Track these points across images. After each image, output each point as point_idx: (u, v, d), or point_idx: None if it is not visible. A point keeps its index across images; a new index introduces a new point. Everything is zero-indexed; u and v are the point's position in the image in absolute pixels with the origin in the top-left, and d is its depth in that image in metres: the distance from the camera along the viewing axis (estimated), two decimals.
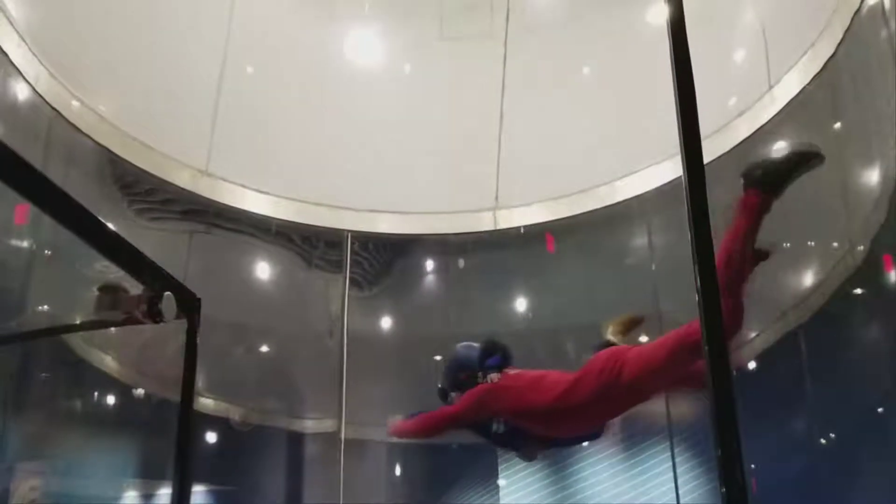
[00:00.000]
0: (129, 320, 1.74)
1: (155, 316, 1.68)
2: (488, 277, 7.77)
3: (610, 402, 3.41)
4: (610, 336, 3.67)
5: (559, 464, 8.20)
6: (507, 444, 3.87)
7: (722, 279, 3.05)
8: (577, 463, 8.18)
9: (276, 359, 8.16)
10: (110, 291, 1.72)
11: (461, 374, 3.71)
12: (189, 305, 1.82)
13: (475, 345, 3.83)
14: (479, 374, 3.64)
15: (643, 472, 7.73)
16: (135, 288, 1.74)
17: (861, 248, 5.60)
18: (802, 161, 2.92)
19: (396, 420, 4.10)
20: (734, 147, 5.80)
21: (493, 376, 3.61)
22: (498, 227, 7.13)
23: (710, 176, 1.77)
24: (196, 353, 1.90)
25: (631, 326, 3.76)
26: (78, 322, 2.05)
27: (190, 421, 1.86)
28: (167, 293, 1.71)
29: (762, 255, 3.27)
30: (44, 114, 5.53)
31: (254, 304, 7.71)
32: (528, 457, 4.12)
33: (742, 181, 2.84)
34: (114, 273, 1.74)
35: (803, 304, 5.80)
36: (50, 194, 1.47)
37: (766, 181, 2.80)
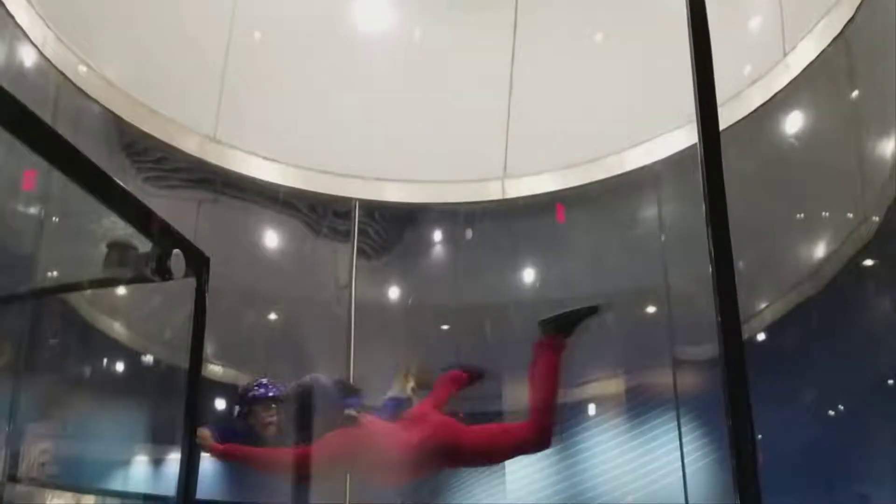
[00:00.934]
0: (138, 278, 1.72)
1: (164, 273, 1.66)
2: (496, 247, 7.74)
3: (440, 467, 3.77)
4: (409, 391, 3.72)
5: (564, 433, 8.24)
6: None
7: (541, 404, 3.42)
8: (582, 433, 8.21)
9: (285, 327, 8.18)
10: (119, 249, 1.71)
11: (326, 407, 3.33)
12: (198, 264, 1.81)
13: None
14: (344, 410, 3.32)
15: (648, 441, 7.76)
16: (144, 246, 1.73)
17: (875, 218, 5.54)
18: (588, 313, 3.46)
19: (205, 434, 3.20)
20: (747, 115, 5.73)
21: (366, 417, 3.38)
22: (506, 196, 7.08)
23: (722, 145, 1.74)
24: (205, 312, 1.89)
25: (424, 387, 3.82)
26: (87, 280, 2.04)
27: (198, 379, 1.85)
28: (176, 250, 1.69)
29: (477, 376, 3.88)
30: (51, 78, 5.49)
31: (262, 273, 7.71)
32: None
33: (541, 329, 3.37)
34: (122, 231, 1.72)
35: (815, 274, 5.76)
36: (59, 148, 1.45)
37: (560, 328, 3.37)
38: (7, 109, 1.29)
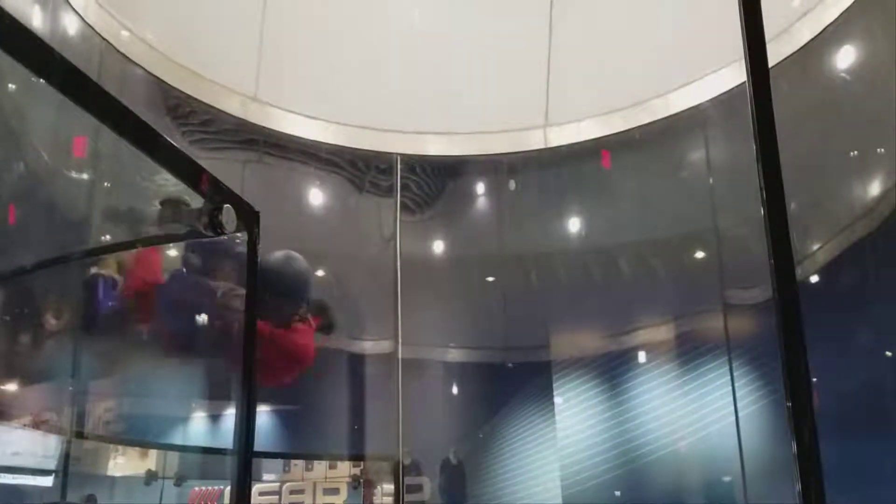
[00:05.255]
0: (192, 234, 1.76)
1: (216, 227, 1.69)
2: (540, 196, 7.70)
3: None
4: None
5: (615, 381, 8.25)
6: None
7: None
8: (633, 380, 8.21)
9: (333, 283, 8.28)
10: (172, 205, 1.74)
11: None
12: (248, 218, 1.83)
13: None
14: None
15: (700, 387, 7.73)
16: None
17: None
18: None
19: None
20: (796, 51, 5.55)
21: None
22: (549, 146, 7.01)
23: (771, 82, 1.69)
24: (256, 266, 1.92)
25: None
26: (143, 238, 2.09)
27: (254, 332, 1.89)
28: (226, 205, 1.72)
29: None
30: (94, 44, 5.55)
31: (308, 231, 7.79)
32: None
33: None
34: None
35: (870, 213, 5.60)
36: (109, 106, 1.48)
37: None
38: (58, 70, 1.32)
